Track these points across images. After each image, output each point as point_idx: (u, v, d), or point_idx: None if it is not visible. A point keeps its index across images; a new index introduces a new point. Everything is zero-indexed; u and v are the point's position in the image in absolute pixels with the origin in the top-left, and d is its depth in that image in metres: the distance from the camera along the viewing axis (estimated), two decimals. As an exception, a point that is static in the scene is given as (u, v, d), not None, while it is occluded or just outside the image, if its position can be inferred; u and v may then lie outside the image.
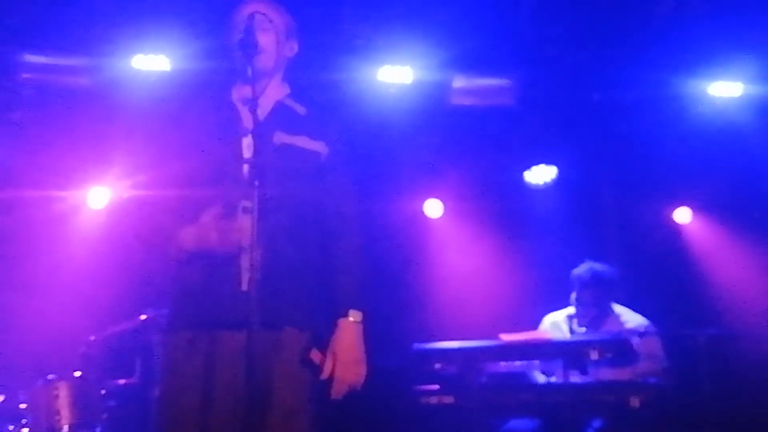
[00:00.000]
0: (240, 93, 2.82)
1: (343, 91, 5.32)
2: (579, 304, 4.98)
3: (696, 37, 5.13)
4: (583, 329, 4.89)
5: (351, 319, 2.73)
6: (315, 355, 2.72)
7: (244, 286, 2.56)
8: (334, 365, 2.70)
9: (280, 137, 2.77)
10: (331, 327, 2.76)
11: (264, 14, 2.75)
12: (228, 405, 2.60)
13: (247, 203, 2.58)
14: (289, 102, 2.88)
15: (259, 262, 2.53)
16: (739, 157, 5.82)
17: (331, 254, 2.80)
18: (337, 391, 2.71)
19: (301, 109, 2.88)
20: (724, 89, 5.57)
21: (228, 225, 2.63)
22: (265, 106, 2.78)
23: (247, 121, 2.72)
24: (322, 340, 2.74)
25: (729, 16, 4.95)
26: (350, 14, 4.99)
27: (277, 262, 2.66)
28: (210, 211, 2.65)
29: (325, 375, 2.70)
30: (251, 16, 2.68)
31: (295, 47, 2.92)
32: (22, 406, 4.65)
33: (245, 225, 2.57)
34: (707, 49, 5.23)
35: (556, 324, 4.97)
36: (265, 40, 2.75)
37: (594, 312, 4.96)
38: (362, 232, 2.85)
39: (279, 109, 2.84)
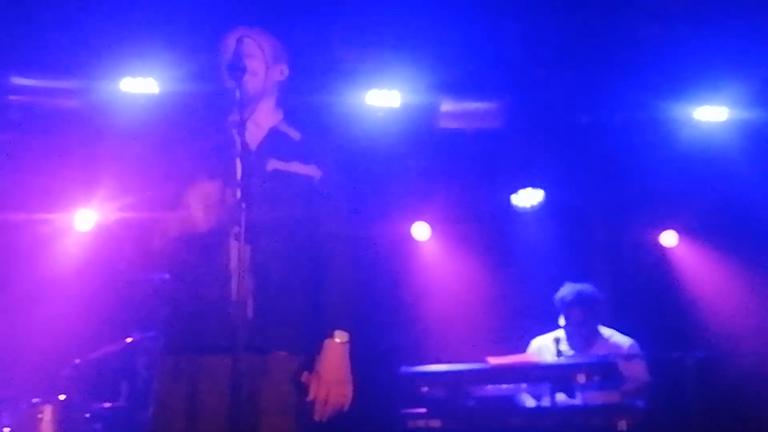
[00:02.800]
0: (232, 116, 2.82)
1: (333, 115, 5.34)
2: (568, 325, 4.99)
3: (682, 61, 5.17)
4: (572, 352, 4.90)
5: (337, 339, 2.72)
6: (306, 379, 2.71)
7: (233, 311, 2.53)
8: (318, 386, 2.69)
9: (274, 164, 2.78)
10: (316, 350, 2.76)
11: (252, 39, 2.77)
12: (213, 430, 2.58)
13: (237, 229, 2.56)
14: (284, 128, 2.88)
15: (250, 286, 2.55)
16: (724, 181, 5.85)
17: (323, 276, 2.80)
18: (320, 413, 2.69)
19: (295, 134, 2.89)
20: (709, 113, 5.61)
21: (212, 201, 2.60)
22: (259, 133, 2.80)
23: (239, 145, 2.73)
24: (314, 364, 2.72)
25: (714, 41, 4.98)
26: (338, 38, 5.01)
27: (268, 287, 2.67)
28: (192, 192, 2.62)
29: (310, 396, 2.69)
30: (239, 40, 2.70)
31: (286, 71, 2.93)
32: (6, 430, 4.59)
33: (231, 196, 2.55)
34: (693, 73, 5.27)
35: (544, 347, 4.97)
36: (254, 64, 2.76)
37: (583, 332, 4.97)
38: (354, 255, 2.85)
39: (273, 135, 2.84)
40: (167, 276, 2.89)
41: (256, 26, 2.87)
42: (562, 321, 5.02)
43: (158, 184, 2.72)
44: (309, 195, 2.82)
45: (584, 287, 5.03)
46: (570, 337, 4.98)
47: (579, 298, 4.96)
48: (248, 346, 2.47)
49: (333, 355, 2.71)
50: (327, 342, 2.72)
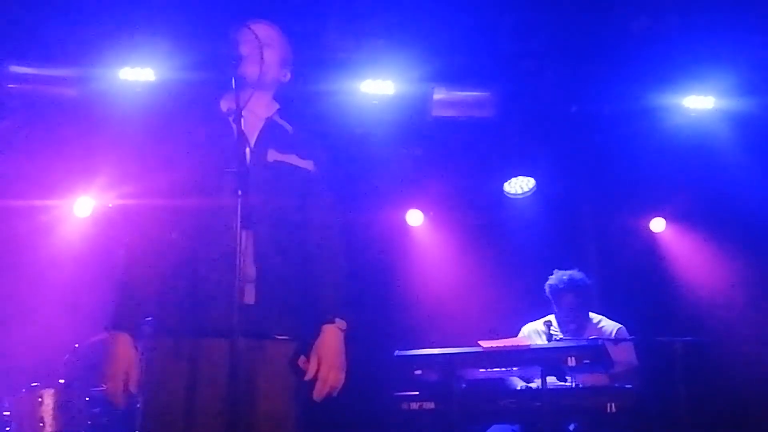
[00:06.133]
0: (229, 104, 2.85)
1: (326, 106, 5.36)
2: (560, 311, 5.04)
3: (670, 52, 5.22)
4: (560, 335, 4.96)
5: (338, 326, 2.79)
6: (303, 362, 2.75)
7: (231, 296, 2.55)
8: (318, 367, 2.74)
9: (274, 155, 2.82)
10: (317, 335, 2.80)
11: (254, 33, 2.78)
12: (213, 413, 2.61)
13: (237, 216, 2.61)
14: (278, 119, 2.92)
15: (251, 272, 2.57)
16: (711, 168, 5.90)
17: (317, 265, 2.84)
18: (319, 392, 2.74)
19: (289, 128, 2.93)
20: (696, 103, 5.68)
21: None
22: (257, 122, 2.83)
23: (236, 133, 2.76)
24: (309, 348, 2.77)
25: (701, 33, 5.03)
26: (333, 28, 5.04)
27: (265, 273, 2.70)
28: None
29: (309, 376, 2.74)
30: (238, 30, 2.75)
31: (288, 75, 2.97)
32: (6, 413, 4.65)
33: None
34: (681, 64, 5.32)
35: (535, 332, 5.03)
36: (250, 53, 2.77)
37: (575, 318, 5.01)
38: (347, 244, 2.90)
39: (270, 126, 2.88)
40: (167, 259, 2.84)
41: (263, 19, 2.92)
42: (555, 308, 5.08)
43: (156, 171, 2.75)
44: (306, 187, 2.86)
45: (574, 273, 5.09)
46: (562, 324, 5.02)
47: (571, 284, 5.02)
48: (247, 330, 2.50)
49: (334, 340, 2.77)
50: (328, 327, 2.77)
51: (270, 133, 2.87)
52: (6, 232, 5.37)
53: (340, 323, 2.79)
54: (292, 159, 2.86)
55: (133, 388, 2.68)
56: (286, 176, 2.83)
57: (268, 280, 2.71)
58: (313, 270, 2.84)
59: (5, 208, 5.30)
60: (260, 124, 2.86)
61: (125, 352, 2.69)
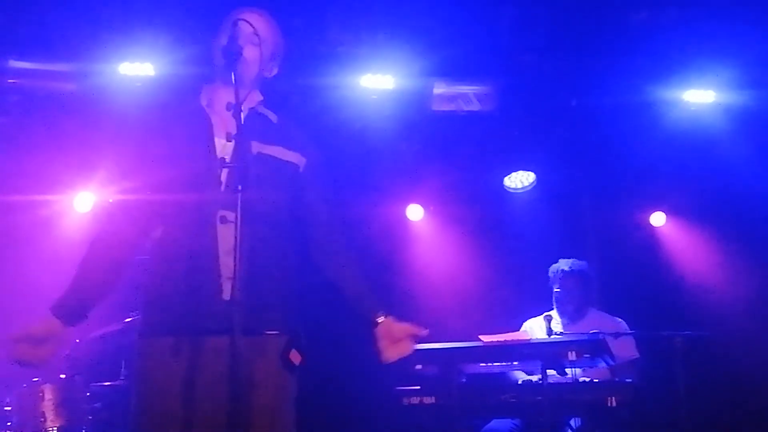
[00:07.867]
0: (210, 97, 2.83)
1: (321, 99, 5.37)
2: (562, 291, 5.09)
3: (670, 45, 5.23)
4: (561, 328, 4.97)
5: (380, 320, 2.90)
6: (294, 356, 2.75)
7: (226, 293, 2.57)
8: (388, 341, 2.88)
9: (257, 147, 2.77)
10: (309, 330, 2.80)
11: (252, 27, 2.76)
12: (210, 410, 2.60)
13: (223, 213, 2.61)
14: (262, 110, 2.88)
15: (240, 268, 2.53)
16: (711, 162, 5.92)
17: (329, 267, 2.87)
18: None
19: (273, 117, 2.89)
20: (696, 97, 5.68)
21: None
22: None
23: (221, 126, 2.75)
24: (301, 343, 2.78)
25: (702, 26, 5.04)
26: (333, 22, 5.04)
27: (255, 269, 2.65)
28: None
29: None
30: (235, 23, 2.70)
31: (275, 70, 2.93)
32: (7, 408, 4.66)
33: None
34: (681, 58, 5.33)
35: (535, 327, 5.05)
36: (250, 51, 2.75)
37: (575, 301, 5.08)
38: (347, 240, 2.91)
39: (253, 116, 2.83)
40: (156, 258, 2.80)
41: (260, 9, 2.87)
42: (556, 290, 5.12)
43: (151, 166, 2.74)
44: (293, 181, 2.83)
45: (580, 262, 5.20)
46: (562, 305, 5.08)
47: (574, 267, 5.15)
48: (242, 328, 2.45)
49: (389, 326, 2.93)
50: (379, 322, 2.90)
51: (253, 123, 2.80)
52: (6, 227, 5.37)
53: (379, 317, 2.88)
54: (278, 151, 2.82)
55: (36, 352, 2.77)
56: (271, 169, 2.78)
57: (255, 275, 2.64)
58: (342, 271, 2.88)
59: (5, 203, 5.29)
60: (243, 115, 2.75)
61: (40, 325, 2.81)
